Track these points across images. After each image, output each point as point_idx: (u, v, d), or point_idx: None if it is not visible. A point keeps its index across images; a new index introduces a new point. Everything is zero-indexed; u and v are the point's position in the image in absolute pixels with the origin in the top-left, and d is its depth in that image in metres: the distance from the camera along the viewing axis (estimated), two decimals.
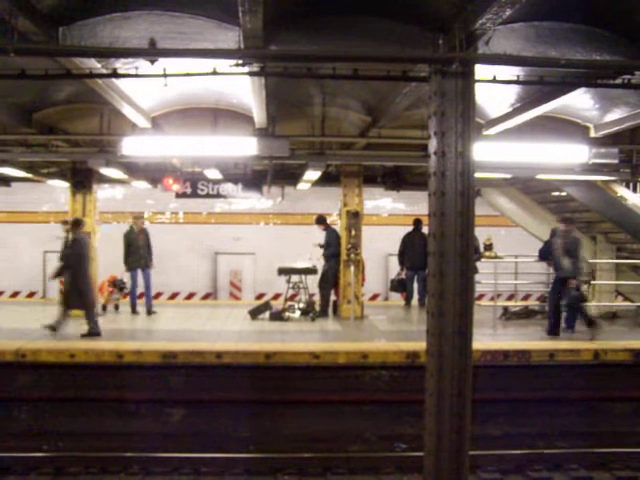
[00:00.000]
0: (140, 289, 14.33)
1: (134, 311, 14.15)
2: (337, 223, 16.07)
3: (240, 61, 5.99)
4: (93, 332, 11.33)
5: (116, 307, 14.58)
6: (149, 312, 14.10)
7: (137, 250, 14.04)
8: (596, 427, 9.90)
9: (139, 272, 14.12)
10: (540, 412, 9.95)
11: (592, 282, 13.36)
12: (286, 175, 15.83)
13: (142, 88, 9.52)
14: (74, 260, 11.44)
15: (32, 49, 6.02)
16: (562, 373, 10.47)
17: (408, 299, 15.86)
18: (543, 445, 9.29)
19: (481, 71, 5.70)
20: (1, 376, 10.09)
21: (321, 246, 14.63)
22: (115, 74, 7.01)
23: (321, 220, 14.77)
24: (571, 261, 11.83)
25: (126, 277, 14.38)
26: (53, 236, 19.49)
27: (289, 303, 14.19)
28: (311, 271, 14.40)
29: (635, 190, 13.88)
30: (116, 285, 14.47)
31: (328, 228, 14.68)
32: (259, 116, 9.92)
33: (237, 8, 5.46)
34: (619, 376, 10.53)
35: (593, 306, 14.51)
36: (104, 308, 14.19)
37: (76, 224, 11.70)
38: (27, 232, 20.11)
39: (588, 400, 10.26)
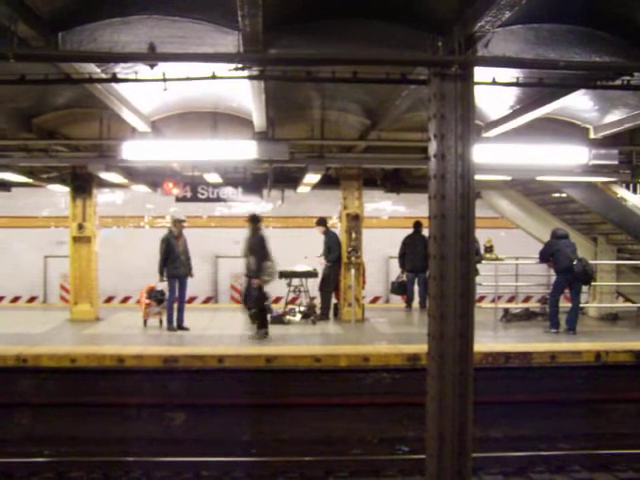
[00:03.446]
0: None
1: (170, 327, 12.76)
2: (337, 226, 16.05)
3: (240, 65, 5.98)
4: None
5: (160, 321, 13.13)
6: (180, 326, 12.83)
7: (177, 257, 12.72)
8: (598, 429, 9.89)
9: (177, 282, 12.82)
10: (542, 414, 9.93)
11: (592, 283, 13.31)
12: (286, 178, 15.82)
13: (142, 92, 9.52)
14: None
15: (32, 55, 6.02)
16: (563, 375, 10.46)
17: (409, 302, 15.86)
18: (545, 447, 9.27)
19: (480, 73, 5.70)
20: (2, 381, 10.09)
21: (322, 255, 14.63)
22: (114, 79, 7.02)
23: (322, 222, 14.72)
24: (255, 260, 11.77)
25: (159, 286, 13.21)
26: (54, 241, 19.56)
27: (290, 307, 14.18)
28: (312, 274, 14.39)
29: (635, 191, 13.88)
30: (152, 297, 13.14)
31: (328, 232, 14.66)
32: (259, 120, 9.93)
33: (236, 12, 5.47)
34: (621, 377, 10.52)
35: (594, 307, 14.56)
36: (145, 323, 13.17)
37: None
38: (28, 237, 20.09)
39: (590, 402, 10.25)
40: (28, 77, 6.35)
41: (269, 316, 13.62)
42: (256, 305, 12.03)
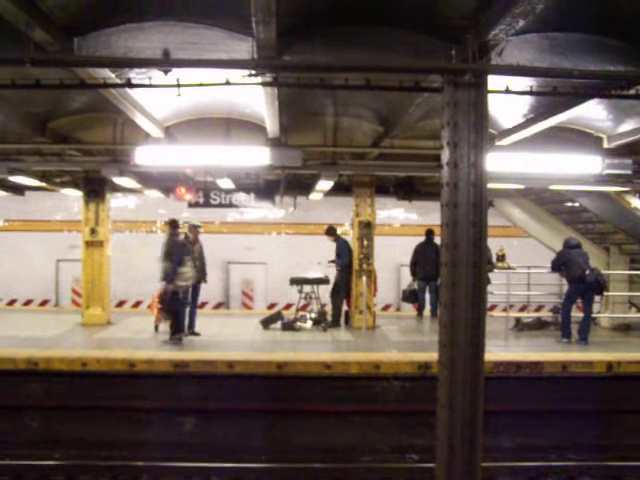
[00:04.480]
0: None
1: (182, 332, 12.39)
2: (349, 233, 16.06)
3: (253, 71, 6.01)
4: None
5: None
6: (191, 332, 12.77)
7: (192, 262, 12.58)
8: (609, 440, 9.82)
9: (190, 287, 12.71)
10: (553, 424, 9.88)
11: (605, 293, 13.22)
12: (298, 185, 15.85)
13: (155, 98, 9.56)
14: None
15: (48, 60, 6.06)
16: (575, 385, 10.40)
17: (420, 310, 15.83)
18: (556, 457, 9.22)
19: (494, 81, 5.69)
20: (14, 384, 10.13)
21: (334, 262, 14.63)
22: (129, 84, 7.05)
23: (331, 231, 14.71)
24: (171, 265, 11.76)
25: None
26: (67, 245, 19.66)
27: (301, 313, 14.17)
28: (323, 281, 14.39)
29: None
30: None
31: (338, 239, 14.65)
32: (272, 126, 9.94)
33: (250, 19, 5.49)
34: (633, 388, 10.45)
35: (606, 317, 14.48)
36: (156, 328, 13.02)
37: None
38: (41, 241, 20.20)
39: (601, 412, 10.18)
40: (43, 82, 6.39)
41: (282, 323, 13.70)
42: (169, 310, 12.05)
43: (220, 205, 16.40)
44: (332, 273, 14.57)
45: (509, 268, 13.86)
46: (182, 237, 12.58)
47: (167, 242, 12.07)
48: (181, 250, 12.01)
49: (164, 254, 11.94)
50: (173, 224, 12.20)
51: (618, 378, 10.54)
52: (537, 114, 9.58)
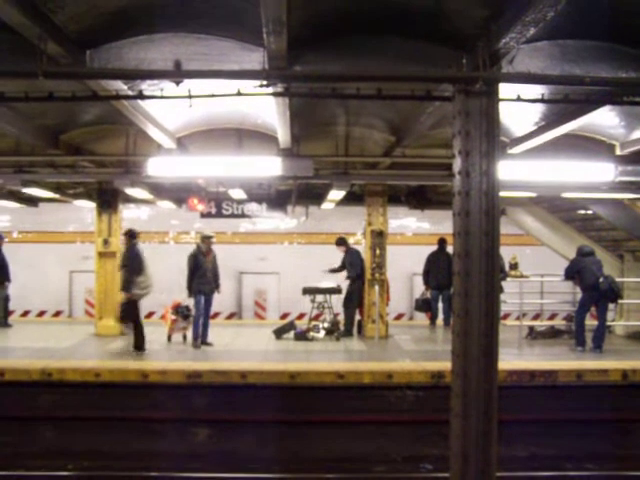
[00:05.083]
0: None
1: (195, 343, 12.71)
2: (362, 243, 16.04)
3: (264, 82, 6.02)
4: None
5: (184, 337, 13.15)
6: (204, 342, 12.80)
7: (204, 274, 12.73)
8: (625, 449, 9.74)
9: (203, 298, 12.83)
10: (568, 433, 9.81)
11: (619, 301, 13.12)
12: (310, 195, 15.85)
13: (167, 109, 9.60)
14: None
15: (60, 72, 6.10)
16: (590, 394, 10.33)
17: (433, 319, 15.78)
18: (571, 467, 9.15)
19: (505, 90, 5.68)
20: (28, 395, 10.16)
21: (331, 271, 14.62)
22: (141, 96, 7.08)
23: (341, 242, 14.69)
24: (129, 274, 11.86)
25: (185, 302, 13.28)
26: (80, 256, 19.72)
27: (313, 323, 14.15)
28: (335, 291, 14.37)
29: None
30: (179, 312, 13.10)
31: (349, 250, 14.61)
32: (283, 136, 9.96)
33: (261, 29, 5.51)
34: None
35: (621, 325, 14.37)
36: (169, 339, 13.16)
37: None
38: (54, 252, 20.29)
39: (617, 421, 10.11)
40: (56, 94, 6.42)
41: (294, 332, 13.69)
42: (126, 318, 12.18)
43: (232, 215, 16.42)
44: (343, 282, 14.55)
45: (522, 276, 13.80)
46: (139, 246, 12.40)
47: (125, 251, 12.22)
48: (137, 259, 12.04)
49: (121, 263, 12.07)
50: (129, 234, 12.31)
51: (634, 387, 10.46)
52: (549, 122, 9.56)
